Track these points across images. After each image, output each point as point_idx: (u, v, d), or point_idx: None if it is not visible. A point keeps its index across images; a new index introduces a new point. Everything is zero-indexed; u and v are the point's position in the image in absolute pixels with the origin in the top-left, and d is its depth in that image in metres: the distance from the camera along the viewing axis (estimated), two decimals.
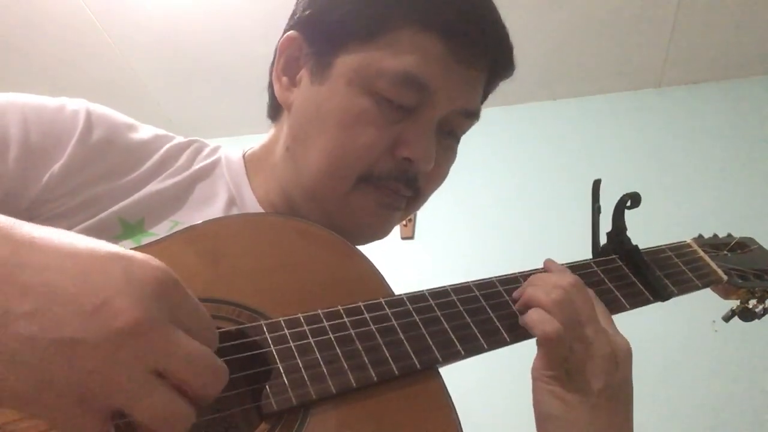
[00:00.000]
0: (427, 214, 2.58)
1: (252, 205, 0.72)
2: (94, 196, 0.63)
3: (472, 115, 0.71)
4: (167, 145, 0.71)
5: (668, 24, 2.29)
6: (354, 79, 0.65)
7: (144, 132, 0.71)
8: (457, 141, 0.74)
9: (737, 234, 0.95)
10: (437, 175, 0.72)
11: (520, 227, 2.41)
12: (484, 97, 0.76)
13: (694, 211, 2.25)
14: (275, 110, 0.76)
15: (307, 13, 0.70)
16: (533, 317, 0.61)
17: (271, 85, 0.75)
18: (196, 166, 0.72)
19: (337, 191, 0.68)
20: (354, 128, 0.65)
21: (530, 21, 2.30)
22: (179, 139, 0.74)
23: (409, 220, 2.57)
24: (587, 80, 2.59)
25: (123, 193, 0.65)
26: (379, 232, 0.72)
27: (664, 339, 2.02)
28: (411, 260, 2.45)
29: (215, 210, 0.69)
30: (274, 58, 0.73)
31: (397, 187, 0.68)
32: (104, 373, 0.36)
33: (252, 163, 0.76)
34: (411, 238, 2.56)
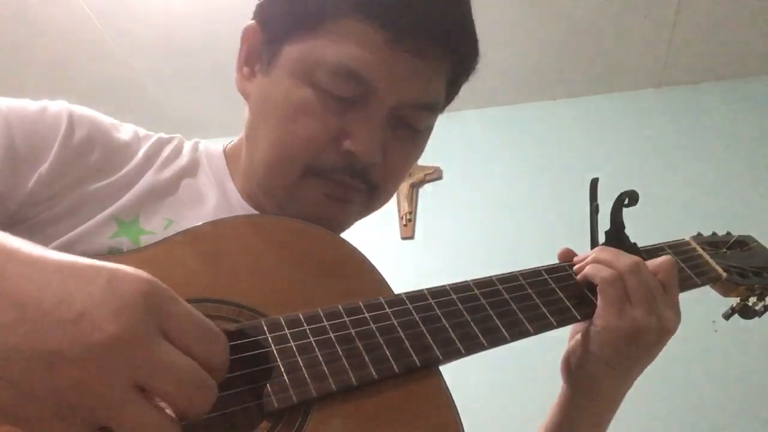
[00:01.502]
0: (427, 214, 2.59)
1: (235, 198, 0.72)
2: (83, 196, 0.63)
3: (427, 107, 0.68)
4: (149, 142, 0.71)
5: (668, 24, 2.29)
6: (295, 69, 0.65)
7: (126, 131, 0.71)
8: (418, 133, 0.71)
9: (737, 233, 0.95)
10: (392, 169, 0.70)
11: (521, 227, 2.41)
12: (455, 89, 0.74)
13: (694, 210, 2.25)
14: None
15: (261, 2, 0.70)
16: (590, 269, 0.68)
17: None
18: (180, 163, 0.72)
19: (283, 183, 0.67)
20: (295, 119, 0.64)
21: (530, 21, 2.30)
22: (159, 135, 0.74)
23: (409, 220, 2.57)
24: (587, 80, 2.59)
25: (114, 193, 0.65)
26: (332, 225, 0.68)
27: None
28: (411, 260, 2.45)
29: (206, 208, 0.70)
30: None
31: (343, 179, 0.66)
32: (85, 386, 0.36)
33: (232, 157, 0.77)
34: (411, 238, 2.56)
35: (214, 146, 0.78)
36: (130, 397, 0.37)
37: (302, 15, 0.65)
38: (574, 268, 0.72)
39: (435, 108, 0.70)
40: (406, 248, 2.52)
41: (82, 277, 0.38)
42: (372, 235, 2.73)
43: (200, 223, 0.61)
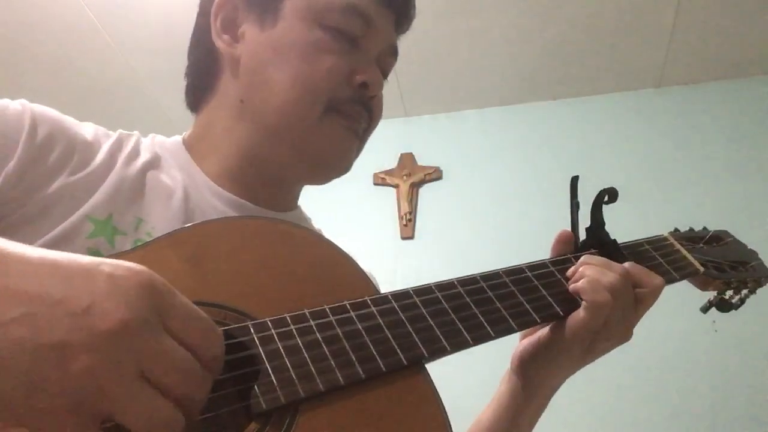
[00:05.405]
0: (427, 214, 2.59)
1: (207, 186, 0.74)
2: (52, 195, 0.63)
3: (395, 54, 0.81)
4: (111, 140, 0.72)
5: (668, 24, 2.29)
6: (306, 15, 0.72)
7: (87, 129, 0.72)
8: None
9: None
10: (379, 106, 0.79)
11: (520, 227, 2.41)
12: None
13: (693, 210, 2.25)
14: (200, 95, 0.80)
15: None
16: (585, 285, 0.68)
17: (192, 71, 0.81)
18: (143, 157, 0.73)
19: (307, 120, 0.72)
20: (316, 56, 0.72)
21: (530, 21, 2.29)
22: (119, 132, 0.75)
23: (409, 220, 2.57)
24: (587, 80, 2.59)
25: (84, 189, 0.65)
26: (345, 162, 0.77)
27: (664, 339, 2.01)
28: (411, 260, 2.45)
29: (175, 199, 0.70)
30: (200, 22, 0.79)
31: (359, 112, 0.75)
32: (95, 376, 0.36)
33: (193, 145, 0.78)
34: (411, 238, 2.56)
35: (170, 139, 0.80)
36: (136, 386, 0.38)
37: None
38: (570, 283, 0.71)
39: (397, 55, 0.81)
40: (406, 248, 2.52)
41: (84, 271, 0.39)
42: (372, 235, 2.74)
43: (187, 225, 0.61)
